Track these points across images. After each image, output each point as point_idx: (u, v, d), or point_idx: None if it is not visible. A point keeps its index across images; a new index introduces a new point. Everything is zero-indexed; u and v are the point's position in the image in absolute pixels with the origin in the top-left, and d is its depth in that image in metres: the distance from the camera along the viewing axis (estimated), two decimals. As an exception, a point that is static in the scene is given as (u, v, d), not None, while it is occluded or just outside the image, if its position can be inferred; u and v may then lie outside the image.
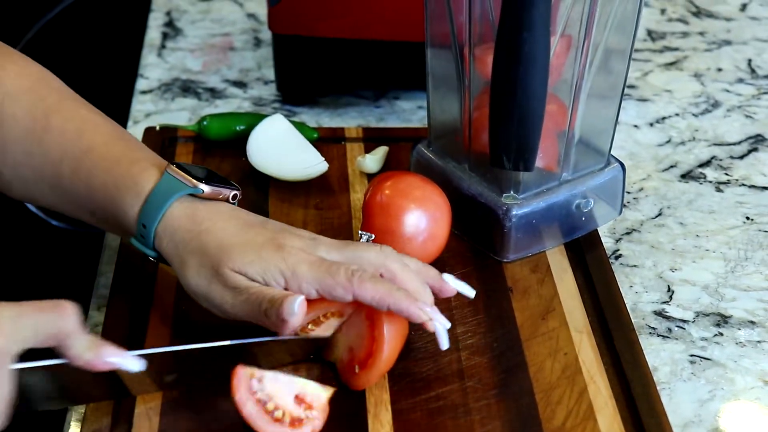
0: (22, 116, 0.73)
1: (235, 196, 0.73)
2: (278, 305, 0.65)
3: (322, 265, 0.67)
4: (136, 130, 1.00)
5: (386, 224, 0.78)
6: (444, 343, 0.68)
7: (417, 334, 0.74)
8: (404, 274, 0.69)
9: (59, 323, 0.59)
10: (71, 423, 0.70)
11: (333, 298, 0.68)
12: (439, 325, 0.68)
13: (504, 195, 0.81)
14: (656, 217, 0.91)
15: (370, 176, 0.91)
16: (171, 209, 0.70)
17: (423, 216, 0.78)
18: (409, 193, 0.78)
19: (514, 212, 0.80)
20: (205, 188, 0.71)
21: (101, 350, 0.62)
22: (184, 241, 0.69)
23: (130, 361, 0.63)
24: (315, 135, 0.95)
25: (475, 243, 0.83)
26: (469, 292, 0.72)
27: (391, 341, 0.68)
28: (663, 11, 1.23)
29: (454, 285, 0.71)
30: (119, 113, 1.08)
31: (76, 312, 0.60)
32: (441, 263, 0.81)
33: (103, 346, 0.62)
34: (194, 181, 0.71)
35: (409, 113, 1.04)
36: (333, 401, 0.68)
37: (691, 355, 0.76)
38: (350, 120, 1.03)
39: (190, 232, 0.69)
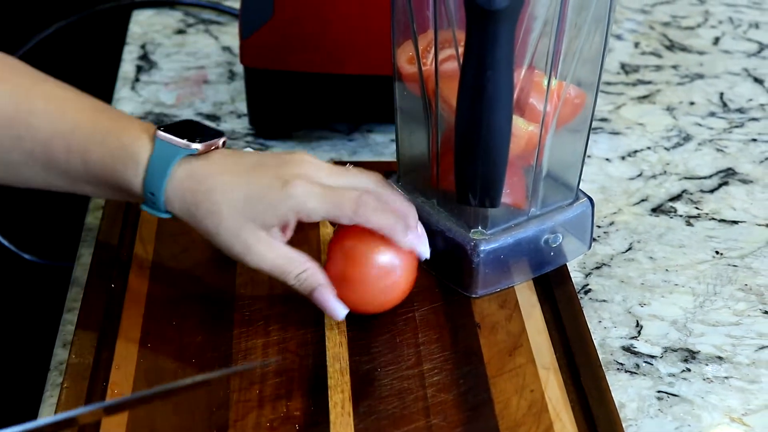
0: (5, 104, 0.74)
1: (224, 143, 0.77)
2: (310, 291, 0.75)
3: (328, 197, 0.73)
4: (108, 164, 0.99)
5: (350, 271, 0.76)
6: (426, 253, 0.78)
7: (383, 371, 0.74)
8: (392, 196, 0.76)
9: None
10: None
11: (337, 222, 0.74)
12: (424, 249, 0.77)
13: (472, 230, 0.81)
14: (626, 251, 0.91)
15: (341, 211, 0.91)
16: (173, 174, 0.73)
17: (389, 260, 0.77)
18: (374, 239, 0.76)
19: (482, 248, 0.80)
20: (199, 146, 0.74)
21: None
22: (195, 204, 0.73)
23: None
24: (286, 169, 0.95)
25: (444, 278, 0.83)
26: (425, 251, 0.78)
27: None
28: (637, 44, 1.24)
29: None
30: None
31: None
32: (408, 298, 0.81)
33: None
34: (187, 142, 0.74)
35: (382, 146, 1.04)
36: (297, 440, 0.67)
37: (659, 392, 0.76)
38: (323, 153, 1.03)
39: (195, 192, 0.73)
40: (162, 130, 0.74)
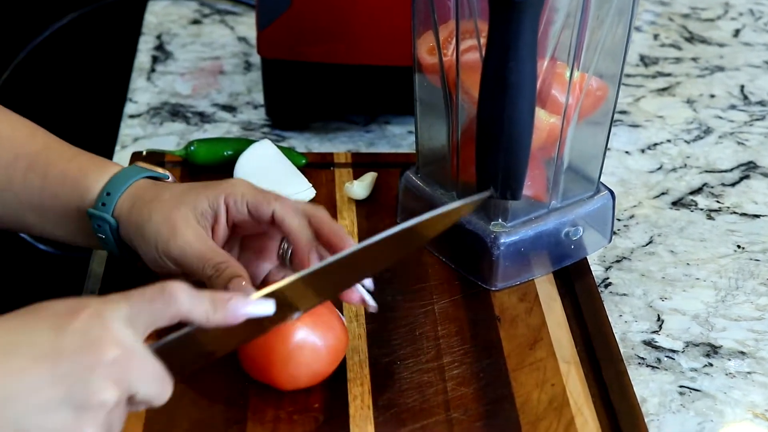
0: None
1: None
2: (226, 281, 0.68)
3: (257, 188, 0.73)
4: (124, 155, 0.99)
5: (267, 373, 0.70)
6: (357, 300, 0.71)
7: (402, 364, 0.74)
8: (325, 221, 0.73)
9: (170, 311, 0.59)
10: None
11: (257, 215, 0.72)
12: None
13: (492, 223, 0.80)
14: (647, 245, 0.90)
15: (359, 202, 0.91)
16: (136, 183, 0.74)
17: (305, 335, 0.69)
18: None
19: (502, 240, 0.80)
20: (171, 176, 0.77)
21: (228, 307, 0.60)
22: (142, 199, 0.73)
23: (262, 306, 0.62)
24: (303, 160, 0.94)
25: (463, 271, 0.82)
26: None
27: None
28: (656, 36, 1.22)
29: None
30: (107, 137, 1.08)
31: (184, 289, 0.59)
32: (429, 291, 0.80)
33: (227, 302, 0.61)
34: (160, 169, 0.77)
35: (399, 138, 1.04)
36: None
37: (681, 386, 0.75)
38: (340, 145, 1.02)
39: (147, 193, 0.74)
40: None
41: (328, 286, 0.67)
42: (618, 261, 0.88)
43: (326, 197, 0.91)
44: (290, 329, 0.69)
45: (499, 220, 0.80)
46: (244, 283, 0.68)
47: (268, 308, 0.62)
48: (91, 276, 0.85)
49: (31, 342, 0.55)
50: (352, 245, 0.70)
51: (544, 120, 0.78)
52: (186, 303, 0.59)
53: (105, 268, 0.82)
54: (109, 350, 0.55)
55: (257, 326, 0.64)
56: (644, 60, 1.18)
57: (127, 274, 0.80)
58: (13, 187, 0.75)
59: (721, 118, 1.08)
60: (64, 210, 0.76)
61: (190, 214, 0.72)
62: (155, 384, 0.58)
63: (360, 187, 0.90)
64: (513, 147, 0.72)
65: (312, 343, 0.69)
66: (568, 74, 0.78)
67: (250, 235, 0.75)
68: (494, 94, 0.71)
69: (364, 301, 0.71)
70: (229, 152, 0.93)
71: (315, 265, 0.66)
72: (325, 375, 0.71)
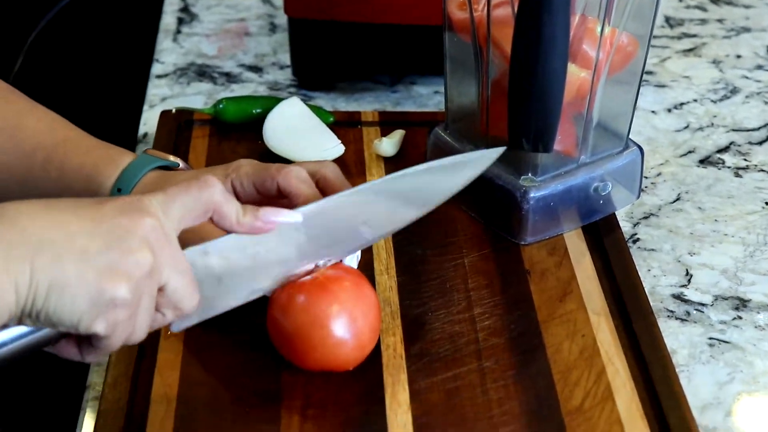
0: None
1: None
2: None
3: (260, 165, 0.72)
4: (152, 114, 1.00)
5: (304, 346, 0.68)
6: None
7: (433, 315, 0.74)
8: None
9: (204, 197, 0.60)
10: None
11: (264, 191, 0.70)
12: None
13: (522, 177, 0.81)
14: (674, 201, 0.90)
15: (387, 160, 0.91)
16: (145, 176, 0.73)
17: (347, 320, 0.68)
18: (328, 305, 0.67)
19: (532, 194, 0.80)
20: (181, 163, 0.76)
21: (259, 213, 0.62)
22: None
23: (291, 215, 0.64)
24: (331, 118, 0.94)
25: (493, 226, 0.83)
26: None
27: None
28: (681, -2, 1.22)
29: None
30: (135, 97, 1.09)
31: (219, 184, 0.61)
32: (458, 245, 0.81)
33: (260, 209, 0.63)
34: (171, 156, 0.76)
35: (425, 98, 1.04)
36: (350, 382, 0.68)
37: (710, 338, 0.76)
38: (366, 105, 1.02)
39: (158, 185, 0.73)
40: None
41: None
42: (646, 217, 0.88)
43: (355, 155, 0.92)
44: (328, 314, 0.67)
45: (529, 174, 0.81)
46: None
47: (296, 217, 0.64)
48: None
49: (75, 205, 0.57)
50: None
51: (575, 74, 0.78)
52: (219, 193, 0.61)
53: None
54: (147, 219, 0.57)
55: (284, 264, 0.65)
56: (669, 21, 1.18)
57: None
58: (32, 178, 0.75)
59: (747, 78, 1.08)
60: (83, 192, 0.75)
61: None
62: (185, 279, 0.59)
63: (389, 144, 0.91)
64: (546, 99, 0.73)
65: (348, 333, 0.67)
66: (599, 29, 0.78)
67: None
68: (527, 46, 0.71)
69: None
70: (258, 110, 0.94)
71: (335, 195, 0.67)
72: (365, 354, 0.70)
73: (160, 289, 0.59)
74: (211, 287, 0.64)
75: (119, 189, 0.73)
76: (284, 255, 0.67)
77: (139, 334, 0.59)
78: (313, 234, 0.67)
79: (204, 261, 0.63)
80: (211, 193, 0.60)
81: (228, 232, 0.63)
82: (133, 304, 0.57)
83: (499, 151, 0.71)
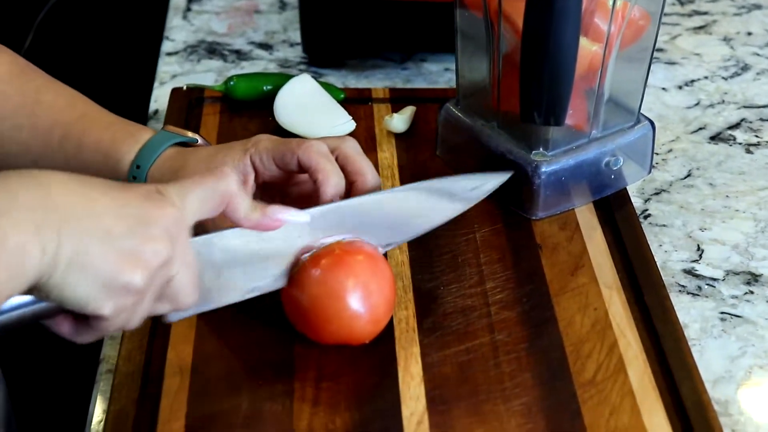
0: (13, 93, 0.75)
1: None
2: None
3: (279, 140, 0.72)
4: (163, 91, 1.00)
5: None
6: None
7: (445, 289, 0.74)
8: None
9: (222, 187, 0.61)
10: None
11: (284, 166, 0.71)
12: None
13: (533, 152, 0.81)
14: (685, 178, 0.90)
15: (398, 136, 0.91)
16: (164, 152, 0.73)
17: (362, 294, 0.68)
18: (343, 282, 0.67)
19: (543, 169, 0.80)
20: (200, 139, 0.76)
21: (268, 209, 0.63)
22: (171, 170, 0.73)
23: (299, 215, 0.64)
24: (341, 95, 0.94)
25: (504, 201, 0.83)
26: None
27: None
28: (691, -24, 1.22)
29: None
30: (145, 74, 1.09)
31: (234, 176, 0.61)
32: (470, 220, 0.81)
33: (269, 206, 0.63)
34: (189, 133, 0.75)
35: (436, 75, 1.04)
36: (363, 354, 0.68)
37: (722, 313, 0.76)
38: (377, 82, 1.02)
39: (176, 161, 0.73)
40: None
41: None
42: (657, 193, 0.88)
43: (365, 131, 0.92)
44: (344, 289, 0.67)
45: (540, 149, 0.81)
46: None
47: (303, 217, 0.64)
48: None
49: (104, 184, 0.57)
50: (372, 180, 0.71)
51: (586, 48, 0.78)
52: (234, 184, 0.61)
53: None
54: (170, 209, 0.58)
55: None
56: (680, -1, 1.17)
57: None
58: (49, 154, 0.75)
59: (758, 55, 1.07)
60: (100, 170, 0.75)
61: None
62: (190, 276, 0.59)
63: (399, 120, 0.91)
64: (557, 71, 0.73)
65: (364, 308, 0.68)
66: (611, 2, 0.77)
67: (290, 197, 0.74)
68: (540, 18, 0.71)
69: None
70: (269, 87, 0.94)
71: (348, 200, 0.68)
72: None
73: (167, 282, 0.59)
74: (210, 279, 0.64)
75: (138, 165, 0.73)
76: (285, 253, 0.67)
77: (135, 322, 0.59)
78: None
79: (208, 252, 0.63)
80: (227, 183, 0.61)
81: (234, 225, 0.63)
82: (143, 292, 0.57)
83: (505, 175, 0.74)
